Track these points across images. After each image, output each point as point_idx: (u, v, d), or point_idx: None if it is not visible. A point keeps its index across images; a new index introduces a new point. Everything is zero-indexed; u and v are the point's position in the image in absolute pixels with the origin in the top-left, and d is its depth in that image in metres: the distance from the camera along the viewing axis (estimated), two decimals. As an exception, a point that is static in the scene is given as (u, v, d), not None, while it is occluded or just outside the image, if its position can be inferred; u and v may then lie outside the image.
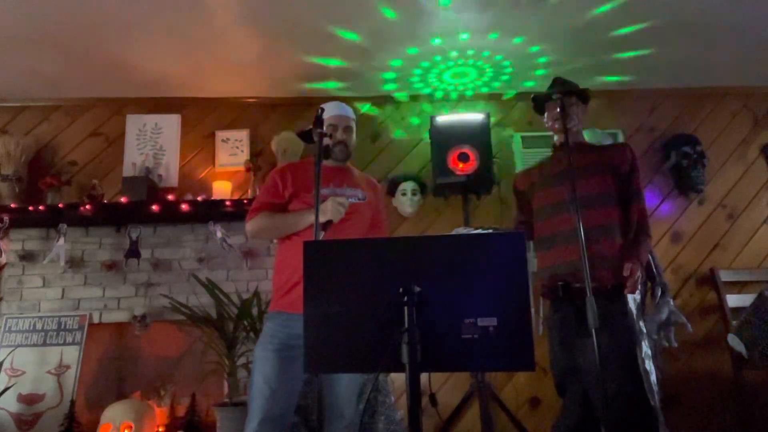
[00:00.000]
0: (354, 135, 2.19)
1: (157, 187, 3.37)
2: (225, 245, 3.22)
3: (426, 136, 3.52)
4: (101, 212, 3.14)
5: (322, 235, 1.83)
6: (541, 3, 2.75)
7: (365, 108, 3.68)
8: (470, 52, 3.25)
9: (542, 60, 3.34)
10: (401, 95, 3.70)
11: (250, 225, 2.09)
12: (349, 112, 2.19)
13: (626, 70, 3.48)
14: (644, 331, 2.04)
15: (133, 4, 2.64)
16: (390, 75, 3.46)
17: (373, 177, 2.36)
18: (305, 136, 1.86)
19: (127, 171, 3.41)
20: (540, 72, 3.46)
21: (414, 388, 1.11)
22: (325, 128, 1.99)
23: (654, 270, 2.55)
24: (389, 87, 3.61)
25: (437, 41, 3.11)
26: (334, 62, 3.28)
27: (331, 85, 3.54)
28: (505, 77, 3.54)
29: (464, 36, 3.06)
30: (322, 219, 1.86)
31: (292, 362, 1.87)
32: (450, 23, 2.93)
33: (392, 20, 2.87)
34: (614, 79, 3.58)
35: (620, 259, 2.03)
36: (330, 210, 1.89)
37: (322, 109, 1.88)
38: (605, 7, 2.82)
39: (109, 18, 2.75)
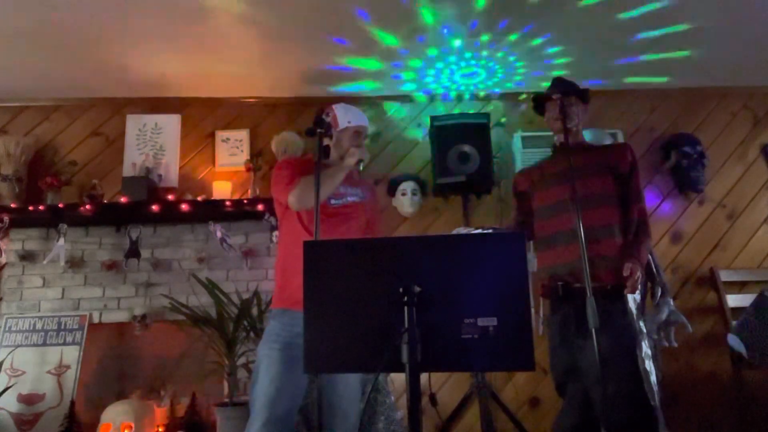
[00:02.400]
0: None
1: (157, 187, 3.37)
2: (225, 245, 3.22)
3: (426, 136, 3.53)
4: (101, 212, 3.14)
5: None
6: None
7: (366, 107, 3.67)
8: (468, 55, 3.26)
9: (559, 61, 3.35)
10: (402, 95, 3.70)
11: (296, 191, 1.97)
12: (367, 120, 2.22)
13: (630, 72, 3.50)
14: (644, 331, 2.04)
15: (133, 4, 2.64)
16: (391, 76, 3.46)
17: (373, 177, 2.38)
18: (314, 133, 1.88)
19: (127, 171, 3.41)
20: (556, 72, 3.43)
21: (414, 388, 1.11)
22: (346, 130, 2.10)
23: (654, 270, 2.55)
24: (390, 87, 3.61)
25: (441, 44, 3.11)
26: (334, 62, 3.27)
27: (332, 86, 3.54)
28: (516, 78, 3.55)
29: (462, 40, 3.07)
30: (352, 160, 2.01)
31: (297, 361, 1.86)
32: (466, 25, 2.94)
33: (392, 21, 2.88)
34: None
35: (620, 259, 2.03)
36: (358, 152, 2.02)
37: (323, 109, 1.89)
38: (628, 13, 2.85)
39: (109, 18, 2.75)
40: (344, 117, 2.11)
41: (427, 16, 2.85)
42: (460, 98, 3.74)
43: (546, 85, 3.49)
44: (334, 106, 2.17)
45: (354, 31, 2.96)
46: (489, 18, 2.89)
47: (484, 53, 3.25)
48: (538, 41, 3.13)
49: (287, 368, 1.87)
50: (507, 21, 2.92)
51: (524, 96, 3.68)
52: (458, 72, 3.45)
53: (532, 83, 3.60)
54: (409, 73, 3.44)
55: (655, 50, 3.25)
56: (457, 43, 3.12)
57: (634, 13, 2.85)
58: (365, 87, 3.59)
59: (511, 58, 3.32)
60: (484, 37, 3.08)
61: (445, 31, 3.00)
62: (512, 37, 3.09)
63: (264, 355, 1.93)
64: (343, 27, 2.92)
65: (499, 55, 3.28)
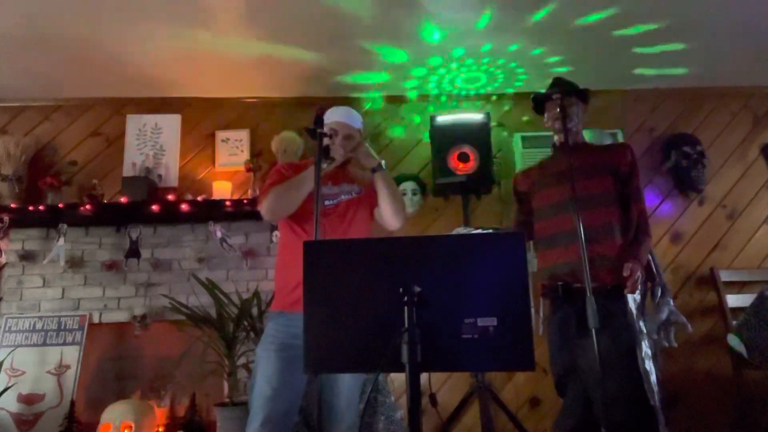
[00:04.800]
0: (353, 143, 2.13)
1: (157, 187, 3.37)
2: (225, 245, 3.22)
3: (426, 136, 3.52)
4: (101, 212, 3.14)
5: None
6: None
7: (367, 106, 3.67)
8: (470, 60, 3.28)
9: (551, 60, 3.35)
10: (406, 95, 3.69)
11: (265, 202, 2.00)
12: (354, 120, 2.14)
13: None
14: (644, 331, 2.04)
15: (133, 4, 2.64)
16: (392, 75, 3.46)
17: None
18: (310, 133, 1.87)
19: (127, 171, 3.41)
20: (557, 70, 3.45)
21: (414, 388, 1.11)
22: (326, 130, 1.99)
23: (654, 270, 2.55)
24: (390, 87, 3.61)
25: (442, 42, 3.10)
26: (335, 62, 3.27)
27: (332, 85, 3.54)
28: (518, 83, 3.56)
29: (465, 39, 3.07)
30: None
31: (294, 362, 1.87)
32: (456, 26, 2.94)
33: (396, 22, 2.87)
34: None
35: (620, 259, 2.03)
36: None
37: (322, 108, 1.88)
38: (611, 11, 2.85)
39: (109, 18, 2.74)
40: (332, 115, 2.11)
41: (429, 26, 2.86)
42: (460, 98, 3.73)
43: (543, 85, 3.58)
44: (333, 107, 2.17)
45: (353, 31, 2.95)
46: (491, 31, 2.92)
47: (485, 60, 3.27)
48: (538, 51, 3.18)
49: (283, 368, 1.86)
50: (509, 35, 2.95)
51: (524, 93, 3.68)
52: (459, 74, 3.46)
53: (534, 85, 3.60)
54: (408, 72, 3.44)
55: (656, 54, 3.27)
56: (459, 47, 3.14)
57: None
58: (367, 86, 3.58)
59: (512, 65, 3.35)
60: (486, 47, 3.11)
61: (447, 37, 3.01)
62: (513, 48, 3.12)
63: (260, 356, 1.93)
64: (342, 28, 2.92)
65: (501, 61, 3.31)
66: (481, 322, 1.14)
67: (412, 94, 3.70)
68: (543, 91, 2.30)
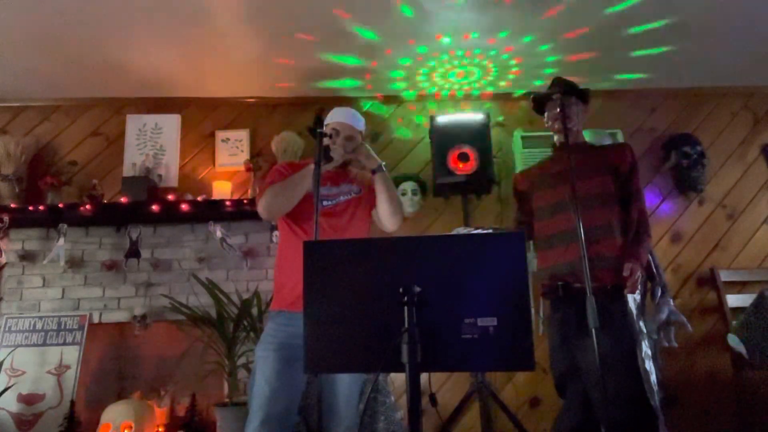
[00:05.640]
0: (354, 143, 2.13)
1: (157, 187, 3.37)
2: (225, 245, 3.22)
3: (426, 136, 3.53)
4: (101, 212, 3.14)
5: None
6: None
7: (366, 107, 3.68)
8: (477, 51, 3.25)
9: (550, 59, 3.34)
10: (403, 94, 3.70)
11: (263, 201, 2.01)
12: (356, 122, 2.14)
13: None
14: (644, 331, 2.04)
15: (133, 4, 2.64)
16: (392, 74, 3.46)
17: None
18: (312, 133, 1.88)
19: (127, 171, 3.40)
20: (548, 71, 3.44)
21: (414, 388, 1.12)
22: (328, 130, 2.00)
23: (654, 270, 2.55)
24: (390, 86, 3.61)
25: (446, 40, 3.10)
26: (333, 62, 3.27)
27: (332, 84, 3.54)
28: (511, 76, 3.54)
29: (472, 35, 3.07)
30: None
31: (293, 362, 1.87)
32: (455, 22, 2.93)
33: (396, 20, 2.87)
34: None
35: (620, 259, 2.03)
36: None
37: (322, 109, 1.89)
38: (616, 7, 2.84)
39: (109, 18, 2.75)
40: (334, 116, 2.12)
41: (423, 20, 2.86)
42: (460, 98, 3.73)
43: (539, 83, 3.57)
44: (335, 108, 2.18)
45: (352, 30, 2.96)
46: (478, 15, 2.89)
47: (477, 51, 3.25)
48: (528, 39, 3.12)
49: (282, 368, 1.86)
50: (494, 18, 2.91)
51: (521, 92, 3.69)
52: (455, 71, 3.45)
53: (527, 82, 3.59)
54: (408, 72, 3.44)
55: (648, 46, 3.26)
56: (452, 41, 3.12)
57: (623, 5, 2.85)
58: (365, 87, 3.58)
59: (504, 57, 3.32)
60: (474, 35, 3.09)
61: (437, 29, 3.00)
62: (502, 35, 3.09)
63: (259, 356, 1.93)
64: (341, 27, 2.92)
65: (492, 53, 3.28)
66: (481, 322, 1.14)
67: (411, 94, 3.70)
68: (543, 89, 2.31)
